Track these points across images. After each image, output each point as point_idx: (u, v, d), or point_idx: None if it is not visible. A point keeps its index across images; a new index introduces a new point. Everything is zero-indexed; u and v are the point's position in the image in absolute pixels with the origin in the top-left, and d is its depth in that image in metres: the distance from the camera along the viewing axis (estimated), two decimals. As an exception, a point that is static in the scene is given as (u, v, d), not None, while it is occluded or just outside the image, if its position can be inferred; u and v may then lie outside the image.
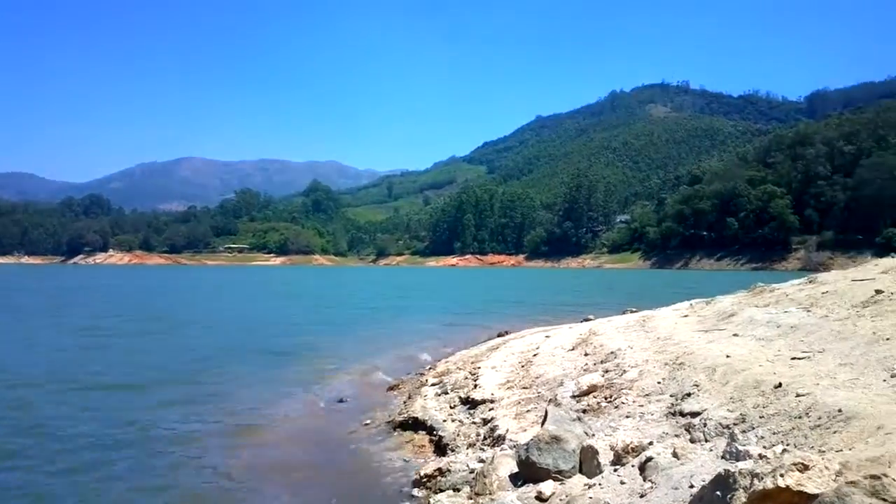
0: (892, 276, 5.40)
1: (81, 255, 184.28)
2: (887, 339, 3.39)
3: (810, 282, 7.47)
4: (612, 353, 5.41)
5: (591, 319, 12.40)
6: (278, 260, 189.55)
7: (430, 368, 8.73)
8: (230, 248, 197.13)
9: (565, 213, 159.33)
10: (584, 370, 5.16)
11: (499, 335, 12.59)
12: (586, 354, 5.86)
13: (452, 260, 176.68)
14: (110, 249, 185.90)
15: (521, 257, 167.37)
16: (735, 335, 4.70)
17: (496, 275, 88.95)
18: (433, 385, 6.85)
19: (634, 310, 12.55)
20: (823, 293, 5.36)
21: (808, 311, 4.86)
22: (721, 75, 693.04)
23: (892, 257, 7.85)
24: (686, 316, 6.78)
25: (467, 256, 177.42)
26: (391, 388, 7.61)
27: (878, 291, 4.57)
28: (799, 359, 3.60)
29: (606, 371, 4.81)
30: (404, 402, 6.52)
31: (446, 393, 6.20)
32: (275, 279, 62.44)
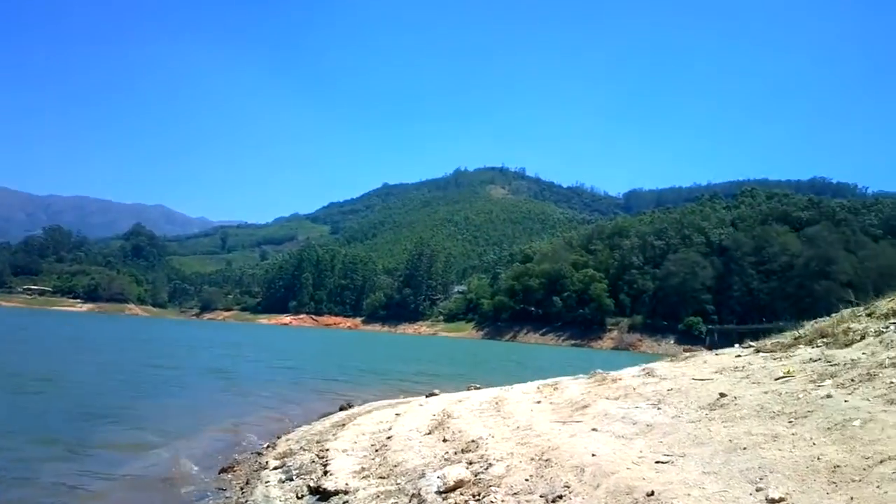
0: (727, 377, 5.86)
1: None
2: (744, 448, 3.56)
3: (647, 374, 7.96)
4: (473, 441, 5.23)
5: (436, 394, 12.26)
6: (85, 306, 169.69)
7: (268, 447, 7.93)
8: (30, 289, 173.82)
9: (405, 280, 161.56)
10: (446, 460, 4.92)
11: (341, 408, 11.98)
12: (445, 441, 5.62)
13: (286, 318, 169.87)
14: None
15: (358, 320, 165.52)
16: (594, 430, 4.74)
17: (332, 337, 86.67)
18: (276, 469, 6.18)
19: (478, 386, 12.65)
20: (669, 390, 5.66)
21: (659, 408, 5.07)
22: (553, 166, 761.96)
23: (716, 354, 8.63)
24: (539, 402, 6.84)
25: (302, 316, 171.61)
26: (224, 471, 6.74)
27: (722, 395, 4.88)
28: (663, 463, 3.66)
29: (470, 463, 4.60)
30: (241, 489, 5.78)
31: (291, 479, 5.60)
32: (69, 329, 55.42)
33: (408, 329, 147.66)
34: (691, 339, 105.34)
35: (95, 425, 9.42)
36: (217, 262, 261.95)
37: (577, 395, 6.69)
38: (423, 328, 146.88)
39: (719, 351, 9.46)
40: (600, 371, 10.51)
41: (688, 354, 9.79)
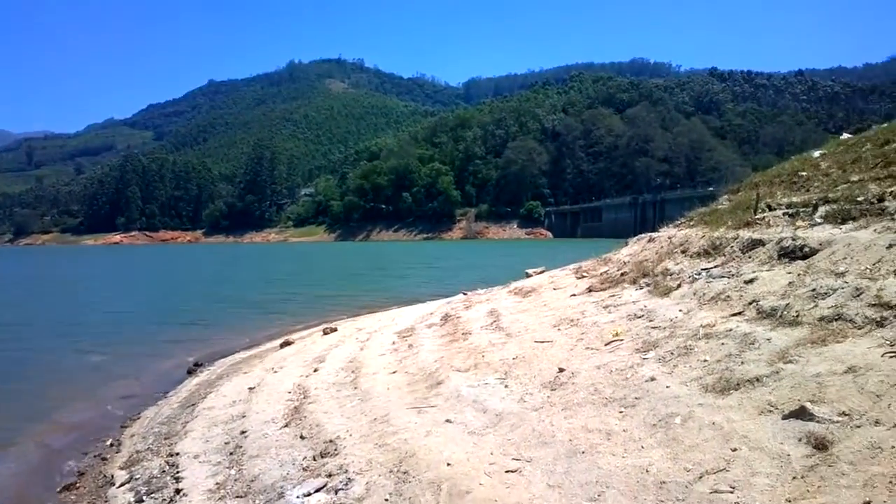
0: (564, 335, 6.26)
1: None
2: (583, 452, 3.83)
3: (493, 319, 8.31)
4: (331, 441, 5.20)
5: (291, 342, 12.01)
6: None
7: (112, 445, 7.39)
8: None
9: (247, 186, 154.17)
10: (305, 470, 4.85)
11: (189, 371, 11.34)
12: (303, 437, 5.54)
13: (115, 237, 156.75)
14: None
15: (198, 233, 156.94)
16: (448, 421, 4.90)
17: (172, 254, 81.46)
18: (122, 485, 5.78)
19: (331, 328, 12.49)
20: (514, 359, 5.95)
21: (506, 385, 5.31)
22: (393, 56, 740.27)
23: (554, 289, 9.17)
24: (394, 372, 6.92)
25: (134, 233, 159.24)
26: (66, 489, 6.21)
27: (561, 370, 5.20)
28: (512, 471, 3.87)
29: (330, 476, 4.58)
30: (84, 521, 5.37)
31: (141, 501, 5.29)
32: None
33: (255, 238, 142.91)
34: (532, 222, 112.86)
35: None
36: (25, 179, 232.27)
37: (431, 360, 6.85)
38: (271, 235, 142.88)
39: (556, 280, 10.09)
40: (450, 304, 10.88)
41: (529, 285, 10.34)
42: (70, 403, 9.80)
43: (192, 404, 8.24)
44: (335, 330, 12.24)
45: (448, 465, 4.19)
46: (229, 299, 24.81)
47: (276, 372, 8.87)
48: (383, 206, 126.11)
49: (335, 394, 6.70)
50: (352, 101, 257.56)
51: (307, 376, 7.93)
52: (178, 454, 6.15)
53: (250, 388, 8.16)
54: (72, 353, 13.90)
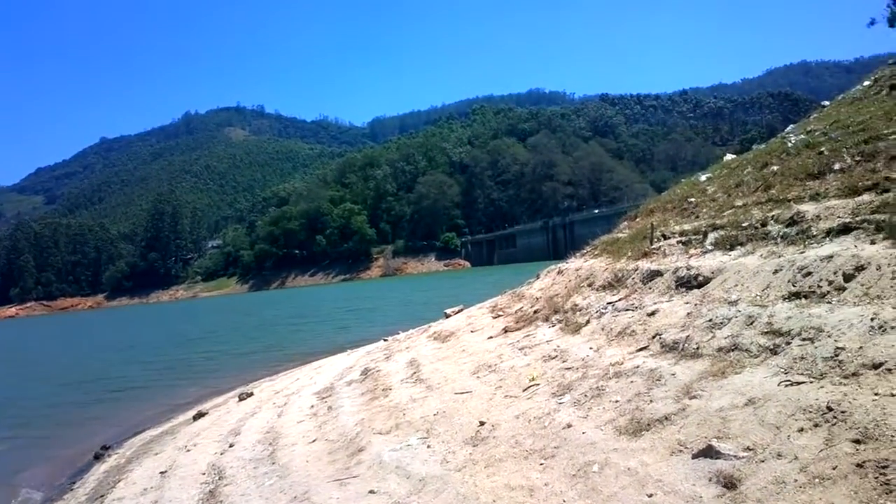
0: (483, 383, 6.24)
1: None
2: (510, 514, 3.78)
3: (412, 368, 8.21)
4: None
5: (204, 413, 11.35)
6: None
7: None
8: None
9: (149, 243, 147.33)
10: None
11: (96, 457, 10.45)
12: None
13: (10, 310, 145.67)
14: None
15: (100, 297, 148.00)
16: (371, 492, 4.74)
17: (71, 324, 76.01)
18: None
19: (247, 392, 11.92)
20: (435, 414, 5.87)
21: (429, 444, 5.22)
22: (293, 101, 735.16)
23: (472, 331, 9.19)
24: (314, 441, 6.66)
25: (30, 304, 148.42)
26: None
27: (482, 423, 5.17)
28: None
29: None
30: None
31: None
32: None
33: (162, 297, 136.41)
34: (450, 254, 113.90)
35: None
36: None
37: (352, 424, 6.65)
38: (179, 292, 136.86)
39: (474, 321, 10.14)
40: (370, 355, 10.67)
41: (448, 329, 10.33)
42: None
43: (101, 496, 7.59)
44: (251, 395, 11.71)
45: (375, 546, 4.04)
46: (136, 369, 23.22)
47: (188, 451, 8.34)
48: (297, 252, 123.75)
49: (252, 472, 6.35)
50: (254, 147, 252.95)
51: (222, 453, 7.50)
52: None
53: (162, 473, 7.61)
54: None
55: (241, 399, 11.56)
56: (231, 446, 7.71)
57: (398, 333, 13.99)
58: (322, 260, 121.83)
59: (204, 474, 6.96)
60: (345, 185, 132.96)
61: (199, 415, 11.26)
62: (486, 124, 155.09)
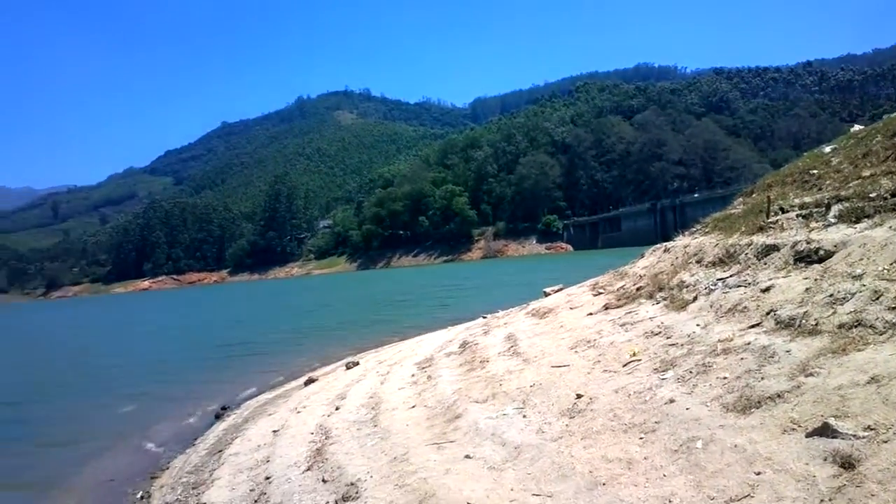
0: (581, 357, 6.15)
1: None
2: (603, 483, 3.73)
3: (509, 343, 8.23)
4: (352, 484, 5.13)
5: (314, 380, 11.96)
6: None
7: (142, 497, 7.38)
8: None
9: (267, 223, 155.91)
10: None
11: (216, 416, 11.39)
12: (324, 481, 5.49)
13: (144, 283, 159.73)
14: None
15: (224, 273, 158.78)
16: (468, 457, 4.82)
17: (200, 297, 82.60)
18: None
19: (353, 362, 12.47)
20: (531, 386, 5.86)
21: (524, 414, 5.23)
22: (398, 84, 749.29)
23: (571, 308, 9.05)
24: (413, 407, 6.86)
25: (161, 278, 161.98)
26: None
27: (579, 396, 5.10)
28: (534, 510, 3.78)
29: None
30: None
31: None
32: None
33: (279, 273, 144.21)
34: (551, 237, 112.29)
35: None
36: (53, 233, 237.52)
37: (449, 393, 6.78)
38: (294, 270, 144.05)
39: (573, 299, 9.97)
40: (469, 330, 10.81)
41: (546, 306, 10.24)
42: (103, 453, 9.93)
43: (219, 451, 8.25)
44: (357, 364, 12.22)
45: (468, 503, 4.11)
46: (255, 336, 25.02)
47: (299, 412, 8.86)
48: (401, 232, 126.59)
49: (356, 433, 6.65)
50: (361, 130, 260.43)
51: (329, 415, 7.90)
52: (204, 505, 6.15)
53: (274, 431, 8.15)
54: (104, 402, 14.13)
55: (347, 368, 12.11)
56: (337, 409, 8.10)
57: (497, 312, 14.02)
58: (425, 241, 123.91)
59: (312, 434, 7.38)
60: (447, 166, 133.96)
61: (310, 381, 11.91)
62: (590, 102, 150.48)
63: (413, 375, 8.63)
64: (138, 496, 7.54)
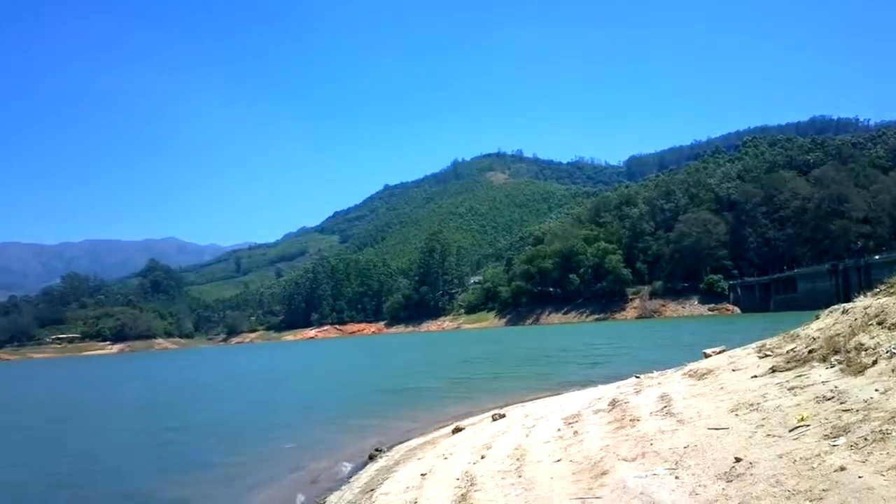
0: (742, 421, 5.78)
1: None
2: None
3: (663, 403, 7.89)
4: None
5: (461, 429, 12.22)
6: (115, 347, 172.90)
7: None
8: (59, 338, 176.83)
9: (421, 278, 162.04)
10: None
11: (370, 456, 11.93)
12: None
13: (311, 332, 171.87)
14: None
15: (381, 324, 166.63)
16: (615, 514, 4.69)
17: (357, 345, 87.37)
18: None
19: (500, 414, 12.54)
20: (685, 448, 5.59)
21: (676, 477, 5.00)
22: (551, 144, 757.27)
23: (733, 370, 8.50)
24: (559, 460, 6.78)
25: (326, 327, 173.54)
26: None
27: (738, 459, 4.81)
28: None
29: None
30: None
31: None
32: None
33: (431, 326, 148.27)
34: (715, 298, 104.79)
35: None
36: (235, 285, 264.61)
37: (596, 449, 6.63)
38: (445, 324, 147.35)
39: (736, 361, 9.34)
40: (619, 389, 10.45)
41: (706, 367, 9.68)
42: (266, 486, 10.80)
43: (371, 489, 8.66)
44: (503, 416, 12.27)
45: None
46: (412, 384, 26.09)
47: (446, 458, 9.07)
48: (551, 290, 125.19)
49: (500, 482, 6.70)
50: (513, 190, 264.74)
51: (474, 463, 8.02)
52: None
53: (422, 475, 8.41)
54: (270, 437, 15.40)
55: (494, 419, 12.20)
56: (482, 458, 8.20)
57: (652, 373, 13.43)
58: (576, 298, 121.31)
59: (458, 479, 7.53)
60: (599, 224, 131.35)
61: (457, 429, 12.17)
62: (760, 157, 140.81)
63: (559, 430, 8.52)
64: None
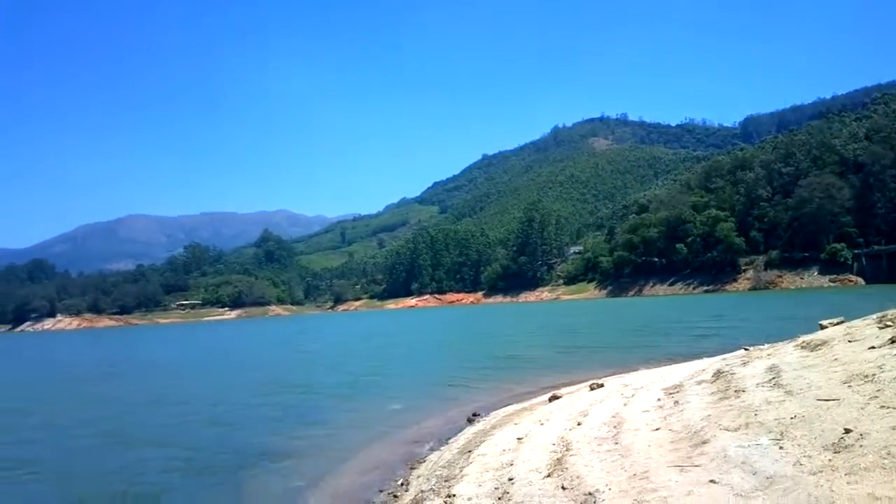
0: (855, 393, 5.49)
1: (28, 323, 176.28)
2: (870, 524, 3.38)
3: (771, 374, 7.59)
4: (590, 494, 5.30)
5: (558, 397, 12.31)
6: (233, 313, 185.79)
7: (402, 484, 8.42)
8: (182, 304, 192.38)
9: (519, 248, 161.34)
10: (564, 519, 5.03)
11: (469, 420, 12.35)
12: (563, 489, 5.72)
13: (411, 301, 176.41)
14: (58, 314, 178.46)
15: (479, 294, 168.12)
16: (712, 481, 4.65)
17: (456, 314, 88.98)
18: (409, 523, 6.58)
19: (598, 384, 12.49)
20: (792, 418, 5.40)
21: (781, 446, 4.86)
22: (657, 106, 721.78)
23: (849, 341, 8.02)
24: (658, 429, 6.73)
25: (426, 297, 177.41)
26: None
27: (847, 431, 4.61)
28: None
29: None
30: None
31: (423, 535, 5.95)
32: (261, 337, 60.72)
33: (529, 297, 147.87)
34: (837, 268, 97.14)
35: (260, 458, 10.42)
36: (340, 255, 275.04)
37: (697, 419, 6.52)
38: (544, 294, 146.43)
39: (854, 332, 8.77)
40: (726, 361, 10.10)
41: (820, 338, 9.15)
42: (371, 444, 11.48)
43: (469, 451, 8.98)
44: (602, 386, 12.22)
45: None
46: (512, 354, 26.43)
47: (542, 424, 9.21)
48: (655, 260, 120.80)
49: (596, 448, 6.76)
50: (616, 156, 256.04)
51: (570, 429, 8.10)
52: (454, 496, 6.78)
53: (518, 439, 8.61)
54: (374, 400, 16.22)
55: (592, 388, 12.18)
56: (579, 425, 8.27)
57: (762, 345, 12.83)
58: (682, 269, 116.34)
59: (553, 444, 7.65)
60: (709, 190, 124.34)
61: (554, 397, 12.27)
62: (891, 115, 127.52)
63: (659, 400, 8.41)
64: (399, 482, 8.59)
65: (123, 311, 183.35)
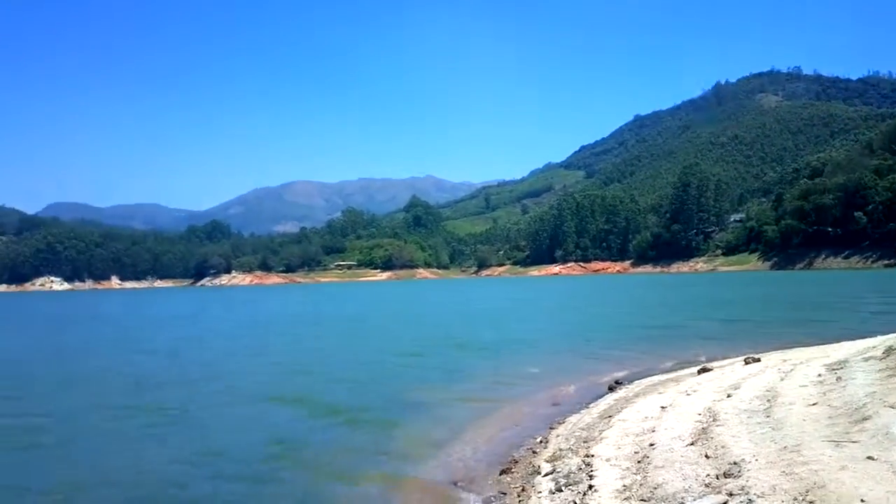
0: None
1: (207, 278, 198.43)
2: None
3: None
4: (735, 463, 5.22)
5: (708, 369, 11.90)
6: (384, 275, 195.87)
7: (541, 442, 8.72)
8: (340, 265, 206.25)
9: (673, 215, 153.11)
10: (707, 486, 5.02)
11: (610, 388, 12.35)
12: (707, 457, 5.68)
13: (554, 269, 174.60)
14: (233, 271, 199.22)
15: (626, 263, 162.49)
16: (870, 458, 4.43)
17: (604, 282, 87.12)
18: (546, 475, 6.85)
19: (754, 358, 11.88)
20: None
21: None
22: (836, 58, 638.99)
23: None
24: (814, 404, 6.39)
25: (570, 264, 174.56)
26: (504, 472, 7.66)
27: None
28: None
29: (731, 495, 4.67)
30: (518, 497, 6.57)
31: (560, 490, 6.18)
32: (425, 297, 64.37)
33: (682, 267, 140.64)
34: None
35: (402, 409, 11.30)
36: (484, 221, 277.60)
37: (861, 395, 6.11)
38: (699, 265, 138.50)
39: None
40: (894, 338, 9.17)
41: None
42: (512, 404, 11.89)
43: (609, 416, 9.06)
44: (758, 360, 11.64)
45: (862, 501, 3.88)
46: (660, 324, 25.79)
47: (688, 395, 9.04)
48: (829, 230, 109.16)
49: (745, 420, 6.58)
50: (787, 114, 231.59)
51: (719, 401, 7.91)
52: (593, 456, 6.96)
53: (662, 407, 8.54)
54: (521, 362, 16.69)
55: (746, 362, 11.66)
56: (728, 397, 8.04)
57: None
58: (860, 240, 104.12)
59: (699, 415, 7.53)
60: (895, 152, 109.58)
61: (704, 370, 11.90)
62: None
63: (819, 375, 7.93)
64: (538, 440, 8.90)
65: (288, 269, 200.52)
